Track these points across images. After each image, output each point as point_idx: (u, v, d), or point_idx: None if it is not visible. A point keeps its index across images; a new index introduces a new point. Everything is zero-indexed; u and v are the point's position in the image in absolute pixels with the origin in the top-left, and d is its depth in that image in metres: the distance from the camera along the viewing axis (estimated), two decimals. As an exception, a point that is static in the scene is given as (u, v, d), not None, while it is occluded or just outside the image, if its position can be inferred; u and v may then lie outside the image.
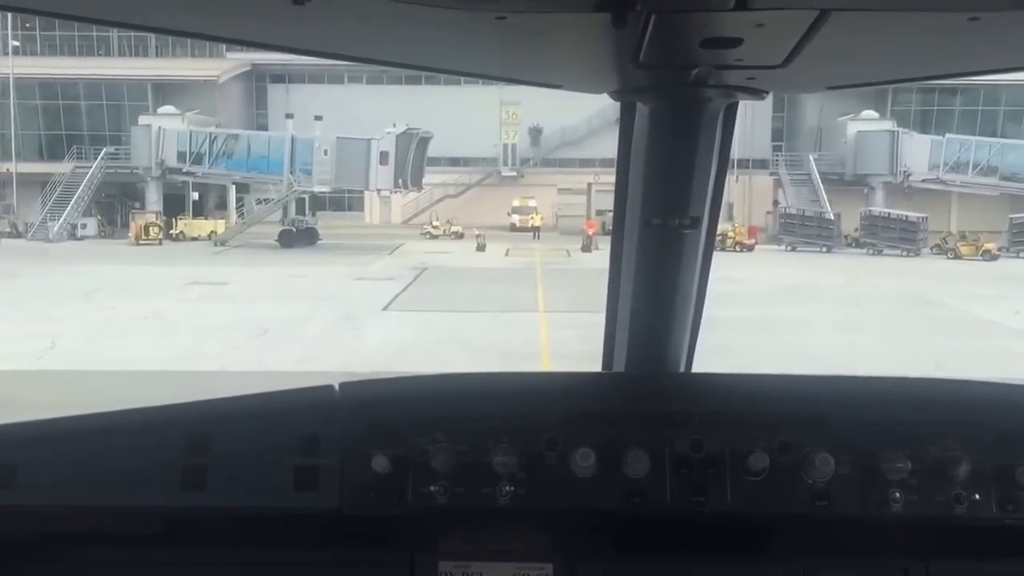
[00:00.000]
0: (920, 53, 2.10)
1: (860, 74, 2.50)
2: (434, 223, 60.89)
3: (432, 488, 2.74)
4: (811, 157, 60.49)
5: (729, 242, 51.42)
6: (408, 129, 50.87)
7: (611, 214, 3.17)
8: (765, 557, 2.90)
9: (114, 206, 62.24)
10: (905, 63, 2.26)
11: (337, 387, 2.96)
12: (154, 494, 2.78)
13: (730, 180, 59.07)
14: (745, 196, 64.96)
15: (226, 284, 33.93)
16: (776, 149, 67.46)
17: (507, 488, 2.73)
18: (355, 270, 38.73)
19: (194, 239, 54.96)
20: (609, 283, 3.18)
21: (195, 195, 60.56)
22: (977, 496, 2.71)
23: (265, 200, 55.05)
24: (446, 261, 43.63)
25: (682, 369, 3.21)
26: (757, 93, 2.40)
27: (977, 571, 2.91)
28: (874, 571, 2.90)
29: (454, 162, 71.03)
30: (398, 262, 43.16)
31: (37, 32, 70.77)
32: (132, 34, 71.95)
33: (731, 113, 2.61)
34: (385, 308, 28.22)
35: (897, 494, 2.70)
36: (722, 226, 48.02)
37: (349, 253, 47.04)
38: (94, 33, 71.53)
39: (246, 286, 33.46)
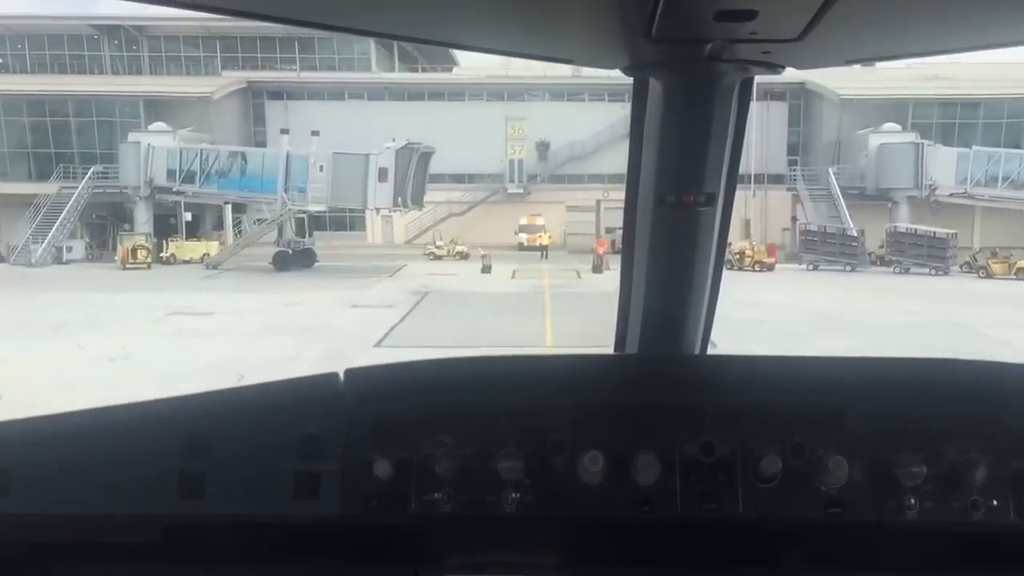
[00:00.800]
0: (940, 24, 2.05)
1: (878, 48, 2.43)
2: (437, 243, 58.68)
3: (436, 495, 2.69)
4: (831, 171, 57.79)
5: (747, 261, 48.98)
6: (408, 144, 48.28)
7: (620, 232, 3.18)
8: (777, 567, 2.84)
9: (106, 228, 60.12)
10: (925, 35, 2.20)
11: (342, 375, 2.89)
12: (151, 502, 2.72)
13: (746, 196, 58.08)
14: (762, 212, 63.57)
15: (210, 314, 31.69)
16: (792, 164, 65.35)
17: (513, 495, 2.68)
18: (351, 295, 36.67)
19: (186, 262, 52.80)
20: (622, 263, 3.14)
21: (188, 215, 58.25)
22: (995, 502, 2.64)
23: (259, 221, 52.58)
24: (449, 284, 41.33)
25: (697, 351, 3.16)
26: (773, 68, 2.33)
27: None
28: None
29: (458, 179, 69.78)
30: (398, 286, 40.98)
31: (26, 52, 68.95)
32: (125, 54, 70.73)
33: (746, 88, 2.56)
34: (378, 344, 25.75)
35: (912, 501, 2.65)
36: (739, 243, 47.03)
37: (347, 276, 44.84)
38: (86, 53, 69.81)
39: (232, 316, 31.22)
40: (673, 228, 2.78)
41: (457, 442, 2.70)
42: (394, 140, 48.17)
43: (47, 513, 2.72)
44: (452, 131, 63.34)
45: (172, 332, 27.69)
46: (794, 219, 59.19)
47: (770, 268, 48.92)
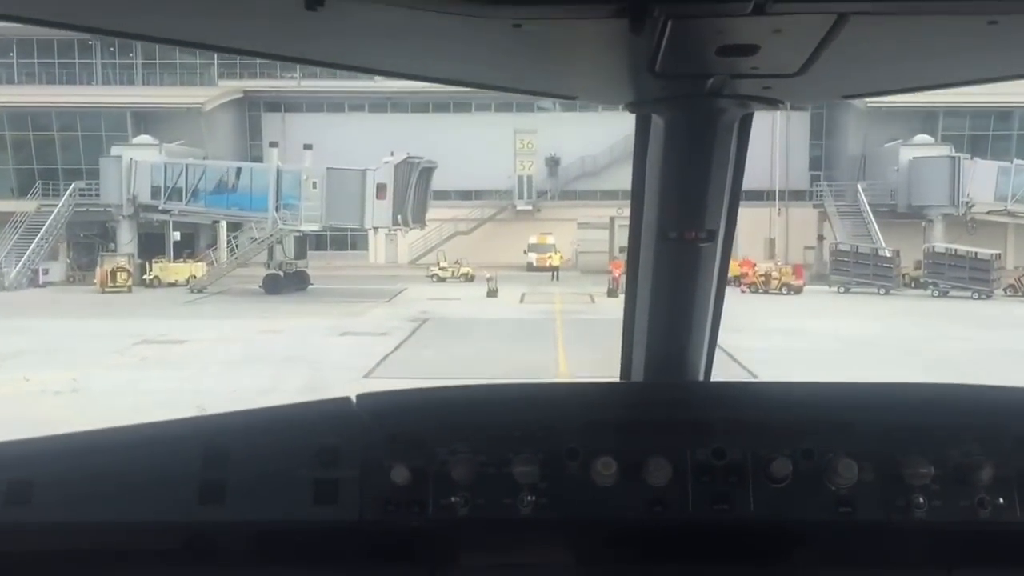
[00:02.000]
0: (937, 59, 2.09)
1: (876, 82, 2.44)
2: (441, 264, 55.30)
3: (453, 499, 2.75)
4: (860, 187, 54.31)
5: (774, 283, 45.54)
6: (408, 158, 44.84)
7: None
8: (788, 565, 2.91)
9: (93, 247, 56.59)
10: (922, 70, 2.26)
11: (354, 399, 3.00)
12: (173, 509, 2.80)
13: (770, 213, 54.86)
14: (783, 230, 60.44)
15: (183, 342, 28.77)
16: (815, 179, 62.09)
17: (528, 498, 2.75)
18: (343, 322, 33.64)
19: (171, 285, 49.62)
20: (626, 293, 3.23)
21: (177, 235, 54.97)
22: (1001, 500, 2.73)
23: (253, 240, 49.21)
24: (453, 310, 38.06)
25: (701, 378, 3.25)
26: (773, 103, 2.41)
27: (982, 568, 2.88)
28: None
29: (465, 195, 67.52)
30: (395, 312, 37.80)
31: (14, 60, 65.84)
32: (117, 62, 67.66)
33: (746, 125, 2.64)
34: (367, 375, 22.72)
35: (921, 500, 2.72)
36: (764, 264, 42.96)
37: (342, 300, 41.62)
38: (76, 60, 66.75)
39: (207, 345, 28.25)
40: (675, 262, 2.89)
41: (473, 449, 2.78)
42: (393, 154, 44.79)
43: (69, 521, 2.79)
44: (458, 145, 60.80)
45: (136, 363, 24.96)
46: (820, 237, 55.78)
47: (798, 291, 45.50)
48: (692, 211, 2.69)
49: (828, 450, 2.73)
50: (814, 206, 58.07)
